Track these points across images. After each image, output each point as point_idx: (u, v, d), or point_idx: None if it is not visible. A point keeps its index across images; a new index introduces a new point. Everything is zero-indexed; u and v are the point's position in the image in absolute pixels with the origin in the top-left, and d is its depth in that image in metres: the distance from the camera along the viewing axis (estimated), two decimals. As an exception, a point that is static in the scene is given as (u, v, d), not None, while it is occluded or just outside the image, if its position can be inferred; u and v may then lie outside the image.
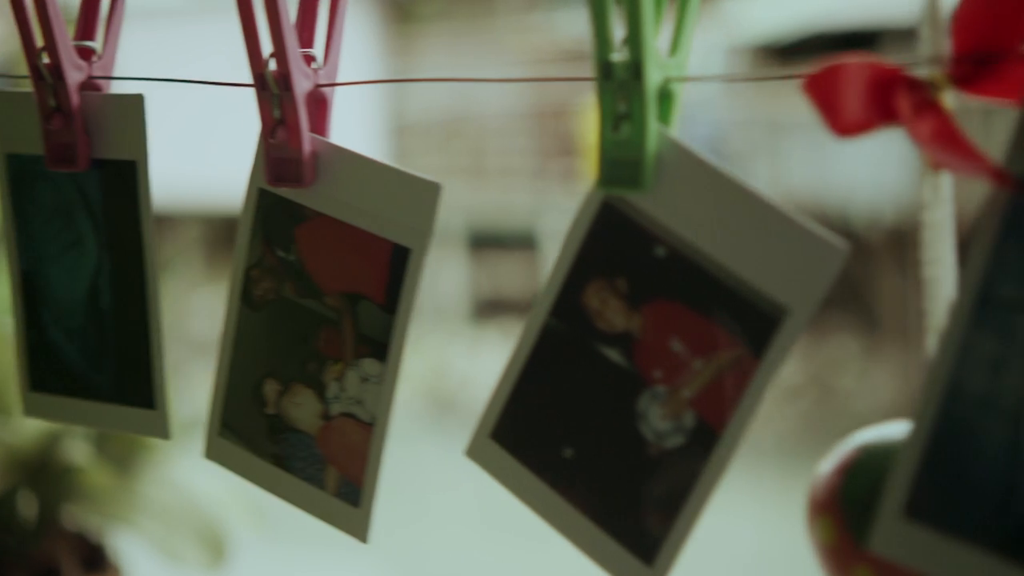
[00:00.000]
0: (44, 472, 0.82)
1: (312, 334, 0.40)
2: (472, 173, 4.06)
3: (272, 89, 0.38)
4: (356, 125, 3.50)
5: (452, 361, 3.30)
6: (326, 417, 0.40)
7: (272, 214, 0.41)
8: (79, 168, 0.42)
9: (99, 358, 0.44)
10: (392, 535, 1.98)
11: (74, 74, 0.42)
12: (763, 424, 2.57)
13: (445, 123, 4.04)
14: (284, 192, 0.40)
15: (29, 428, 0.84)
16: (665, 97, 0.35)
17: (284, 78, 0.38)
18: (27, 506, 0.83)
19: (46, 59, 0.41)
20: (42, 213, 0.44)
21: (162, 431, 0.43)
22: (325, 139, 0.39)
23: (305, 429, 0.40)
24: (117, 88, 0.43)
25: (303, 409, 0.40)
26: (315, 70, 0.39)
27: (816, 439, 2.64)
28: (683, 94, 0.36)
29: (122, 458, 0.86)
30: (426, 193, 0.37)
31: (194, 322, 2.78)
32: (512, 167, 4.02)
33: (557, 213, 3.55)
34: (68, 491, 0.84)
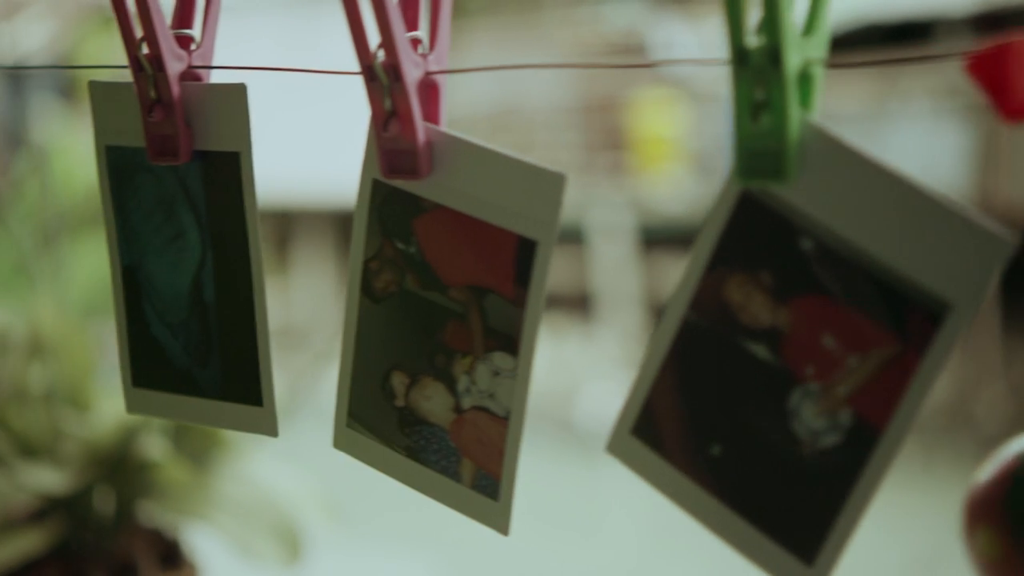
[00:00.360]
0: (121, 468, 0.82)
1: (438, 327, 0.39)
2: (520, 167, 4.03)
3: (382, 80, 0.37)
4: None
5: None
6: (458, 410, 0.39)
7: (388, 206, 0.39)
8: (181, 160, 0.41)
9: (204, 353, 0.43)
10: (443, 530, 1.98)
11: (174, 64, 0.41)
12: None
13: (492, 117, 4.02)
14: (400, 183, 0.39)
15: (105, 423, 0.84)
16: (804, 81, 0.33)
17: (394, 68, 0.37)
18: (103, 502, 0.83)
19: (145, 49, 0.40)
20: (143, 206, 0.43)
21: (269, 428, 0.42)
22: (440, 128, 0.38)
23: (437, 422, 0.40)
24: (216, 78, 0.42)
25: (434, 402, 0.39)
26: (423, 56, 0.38)
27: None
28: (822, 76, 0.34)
29: (198, 454, 0.85)
30: (550, 184, 0.36)
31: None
32: (559, 161, 4.00)
33: (605, 207, 3.52)
34: (145, 487, 0.83)
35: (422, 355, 0.40)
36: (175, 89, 0.41)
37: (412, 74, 0.37)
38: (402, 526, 1.97)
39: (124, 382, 0.45)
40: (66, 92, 3.09)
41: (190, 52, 0.41)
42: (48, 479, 0.79)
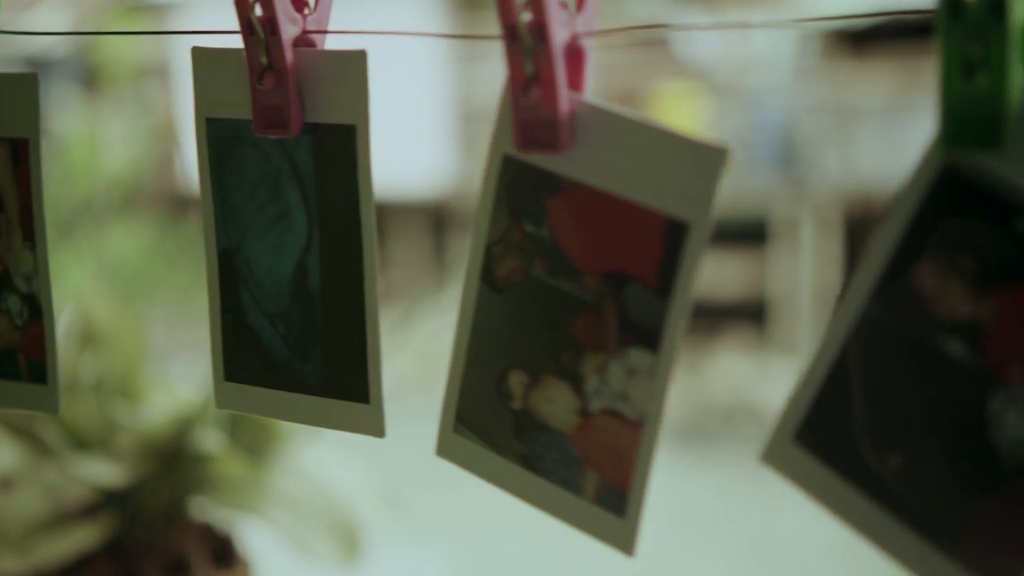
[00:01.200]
0: (175, 461, 0.79)
1: (567, 319, 0.36)
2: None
3: (525, 41, 0.34)
4: (422, 110, 3.46)
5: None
6: (584, 414, 0.35)
7: (519, 184, 0.36)
8: (291, 133, 0.38)
9: (306, 345, 0.40)
10: (458, 528, 1.95)
11: (289, 28, 0.38)
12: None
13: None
14: (534, 159, 0.35)
15: (158, 415, 0.82)
16: (1026, 38, 0.30)
17: (540, 28, 0.34)
18: (157, 496, 0.80)
19: (259, 11, 0.37)
20: (245, 184, 0.40)
21: (376, 428, 0.39)
22: (583, 97, 0.35)
23: (558, 427, 0.36)
24: (330, 45, 0.39)
25: (556, 405, 0.36)
26: (571, 17, 0.34)
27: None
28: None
29: (253, 446, 0.83)
30: (709, 159, 0.33)
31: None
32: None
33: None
34: (199, 481, 0.81)
35: (546, 351, 0.36)
36: (288, 55, 0.37)
37: (559, 35, 0.34)
38: (460, 519, 1.94)
39: (215, 375, 0.42)
40: (87, 82, 3.07)
41: (304, 16, 0.38)
42: (102, 472, 0.76)
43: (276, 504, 0.82)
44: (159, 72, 3.22)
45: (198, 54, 0.40)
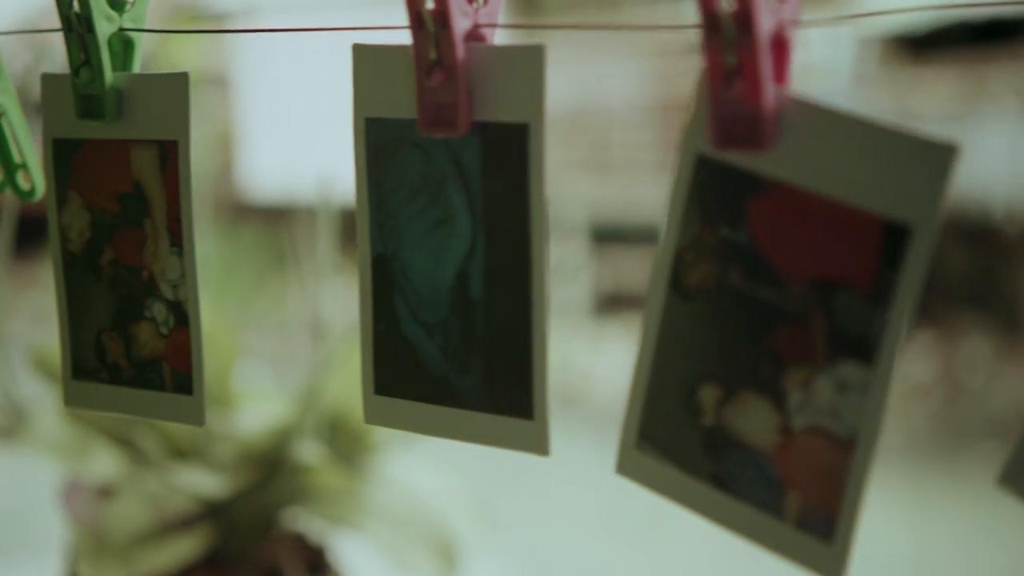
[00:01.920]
0: (274, 472, 0.78)
1: (766, 330, 0.33)
2: (595, 167, 3.99)
3: (728, 30, 0.32)
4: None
5: (573, 357, 3.23)
6: (786, 432, 0.33)
7: (713, 185, 0.34)
8: (459, 132, 0.36)
9: (466, 357, 0.38)
10: (512, 532, 1.92)
11: (461, 21, 0.36)
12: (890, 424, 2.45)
13: (567, 116, 3.97)
14: (733, 158, 0.33)
15: (255, 424, 0.80)
16: None
17: (745, 16, 0.31)
18: (253, 506, 0.79)
19: (431, 3, 0.36)
20: (404, 187, 0.38)
21: (540, 445, 0.37)
22: (788, 90, 0.32)
23: (756, 445, 0.33)
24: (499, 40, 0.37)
25: (754, 421, 0.33)
26: (776, 4, 0.32)
27: (945, 440, 2.53)
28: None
29: (350, 457, 0.81)
30: (937, 156, 0.30)
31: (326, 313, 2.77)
32: (636, 160, 3.94)
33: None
34: (296, 492, 0.79)
35: (743, 364, 0.34)
36: (460, 50, 0.35)
37: (766, 23, 0.31)
38: (544, 529, 1.92)
39: (364, 388, 0.40)
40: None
41: (475, 10, 0.36)
42: (203, 482, 0.75)
43: (373, 516, 0.80)
44: (219, 80, 3.24)
45: (359, 51, 0.38)
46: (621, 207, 3.83)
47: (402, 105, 0.37)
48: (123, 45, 0.43)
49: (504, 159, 0.36)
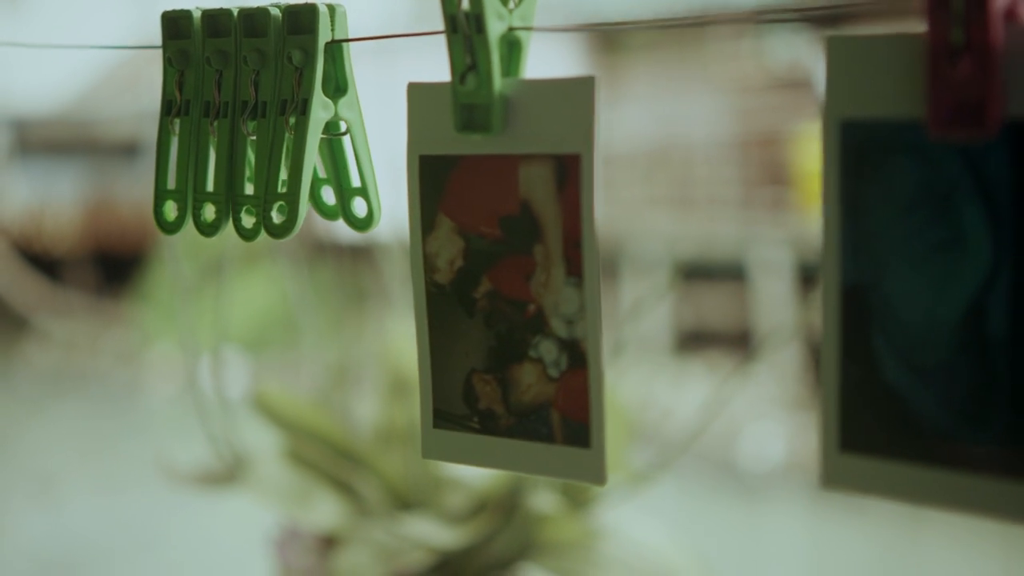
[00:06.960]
0: (508, 522, 0.72)
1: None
2: (677, 203, 3.93)
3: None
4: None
5: (655, 394, 3.16)
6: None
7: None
8: (986, 133, 0.31)
9: (976, 409, 0.32)
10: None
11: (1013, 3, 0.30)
12: None
13: (650, 153, 3.92)
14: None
15: (486, 472, 0.75)
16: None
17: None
18: (483, 558, 0.73)
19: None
20: (894, 201, 0.33)
21: None
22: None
23: None
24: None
25: None
26: None
27: None
28: None
29: (582, 507, 0.75)
30: None
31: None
32: (719, 197, 3.87)
33: (766, 244, 3.40)
34: (529, 544, 0.73)
35: None
36: (996, 33, 0.30)
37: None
38: None
39: (823, 447, 0.34)
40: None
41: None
42: (434, 533, 0.70)
43: (605, 570, 0.74)
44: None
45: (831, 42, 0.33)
46: (703, 243, 3.76)
47: (891, 104, 0.32)
48: (509, 47, 0.38)
49: None
